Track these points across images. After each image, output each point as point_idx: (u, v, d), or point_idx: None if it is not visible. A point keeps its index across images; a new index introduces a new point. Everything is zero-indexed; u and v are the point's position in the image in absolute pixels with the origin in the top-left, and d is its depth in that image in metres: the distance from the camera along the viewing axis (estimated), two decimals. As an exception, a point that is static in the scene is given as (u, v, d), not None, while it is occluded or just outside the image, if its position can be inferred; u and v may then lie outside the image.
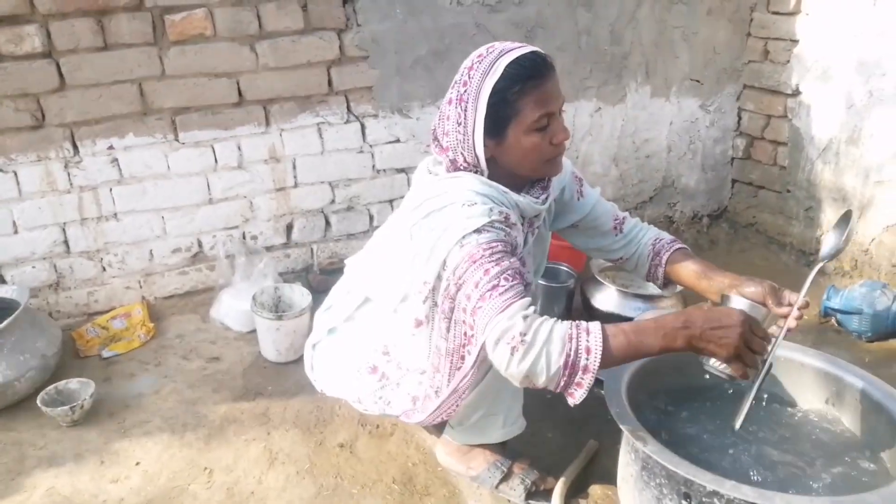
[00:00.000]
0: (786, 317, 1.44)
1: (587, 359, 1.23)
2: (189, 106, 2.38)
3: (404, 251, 1.50)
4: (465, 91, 1.41)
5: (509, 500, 1.68)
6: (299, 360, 2.22)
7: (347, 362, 1.67)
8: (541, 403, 2.06)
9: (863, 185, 2.63)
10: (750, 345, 1.28)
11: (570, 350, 1.23)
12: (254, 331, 2.33)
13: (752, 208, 3.17)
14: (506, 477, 1.68)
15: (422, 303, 1.48)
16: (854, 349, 2.33)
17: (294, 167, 2.57)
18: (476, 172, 1.47)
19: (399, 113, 2.63)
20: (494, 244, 1.35)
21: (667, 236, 1.73)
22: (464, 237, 1.35)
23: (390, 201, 2.73)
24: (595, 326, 1.26)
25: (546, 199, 1.55)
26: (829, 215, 2.79)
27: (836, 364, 1.62)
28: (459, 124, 1.43)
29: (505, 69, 1.38)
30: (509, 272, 1.32)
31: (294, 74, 2.44)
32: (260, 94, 2.44)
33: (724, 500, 1.25)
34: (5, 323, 1.99)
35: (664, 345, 1.27)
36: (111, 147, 2.34)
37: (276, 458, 1.86)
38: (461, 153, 1.45)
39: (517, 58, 1.39)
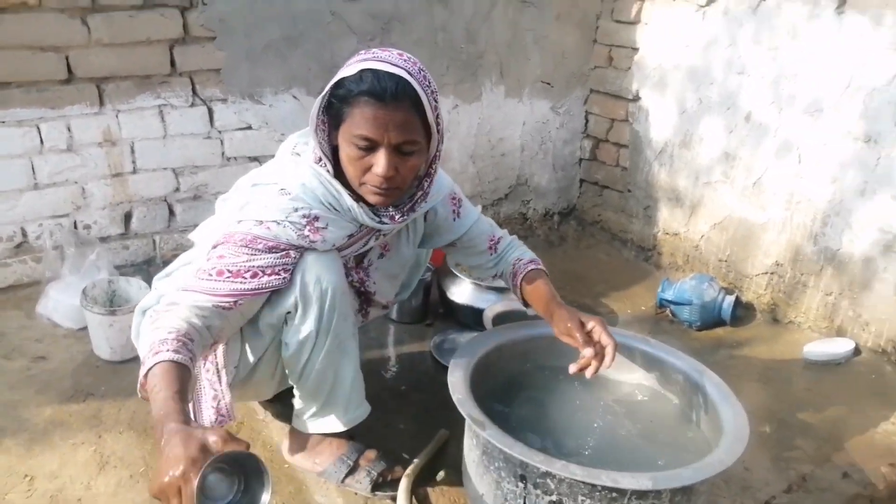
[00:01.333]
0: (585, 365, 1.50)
1: (141, 371, 1.19)
2: (10, 81, 2.15)
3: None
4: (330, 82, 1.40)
5: (356, 493, 1.66)
6: (135, 359, 2.08)
7: None
8: (395, 393, 2.07)
9: (693, 185, 2.86)
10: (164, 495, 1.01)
11: (147, 352, 1.21)
12: (85, 328, 2.15)
13: (598, 207, 3.35)
14: (352, 470, 1.66)
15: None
16: (685, 337, 2.52)
17: (133, 152, 2.40)
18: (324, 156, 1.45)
19: (250, 99, 2.53)
20: (260, 240, 1.39)
21: (527, 256, 1.78)
22: (242, 220, 1.40)
23: (241, 191, 2.63)
24: (164, 357, 1.17)
25: (386, 224, 1.51)
26: (664, 214, 3.01)
27: (664, 350, 1.75)
28: (313, 113, 1.41)
29: (359, 71, 1.34)
30: (245, 268, 1.36)
31: (132, 52, 2.28)
32: (93, 72, 2.25)
33: (556, 480, 1.30)
34: None
35: (154, 420, 1.10)
36: (-86, 122, 2.08)
37: (108, 461, 1.73)
38: (314, 129, 1.44)
39: (375, 70, 1.33)
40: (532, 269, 1.73)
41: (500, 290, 2.45)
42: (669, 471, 1.31)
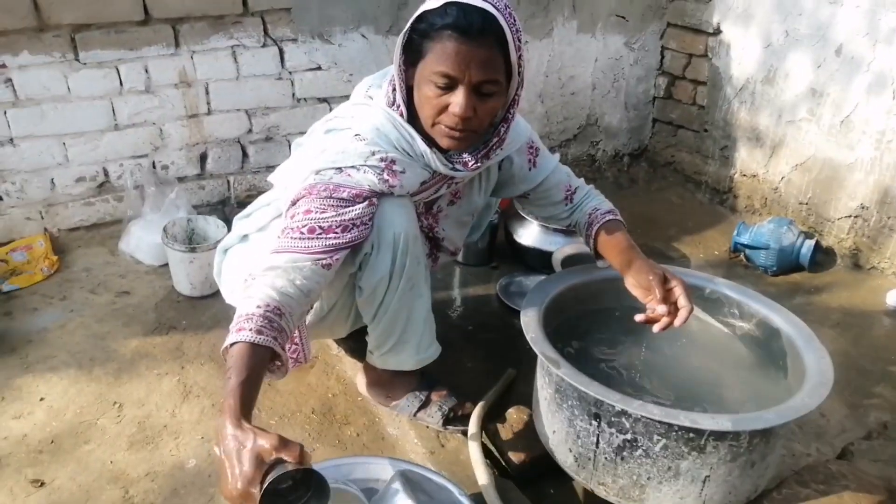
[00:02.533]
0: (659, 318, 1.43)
1: (227, 336, 1.18)
2: (90, 23, 2.20)
3: None
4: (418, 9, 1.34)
5: (427, 426, 1.70)
6: (215, 295, 2.16)
7: (246, 274, 1.63)
8: (462, 333, 2.09)
9: (776, 124, 2.72)
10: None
11: (237, 319, 1.20)
12: (166, 264, 2.24)
13: (671, 147, 3.24)
14: (424, 405, 1.70)
15: (284, 213, 1.45)
16: (760, 282, 2.45)
17: (207, 93, 2.44)
18: (400, 97, 1.42)
19: (320, 38, 2.52)
20: (343, 188, 1.36)
21: (604, 206, 1.71)
22: (321, 170, 1.37)
23: (311, 132, 2.65)
24: (247, 336, 1.15)
25: (460, 171, 1.47)
26: (742, 155, 2.88)
27: (742, 291, 1.69)
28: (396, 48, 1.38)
29: (443, 5, 1.28)
30: (336, 223, 1.34)
31: (205, -9, 2.30)
32: (168, 12, 2.28)
33: (632, 419, 1.30)
34: None
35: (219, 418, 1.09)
36: (3, 65, 2.15)
37: (191, 391, 1.82)
38: (394, 68, 1.40)
39: (464, 4, 1.26)
40: (610, 220, 1.66)
41: (567, 233, 2.41)
42: (750, 412, 1.28)
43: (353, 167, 1.38)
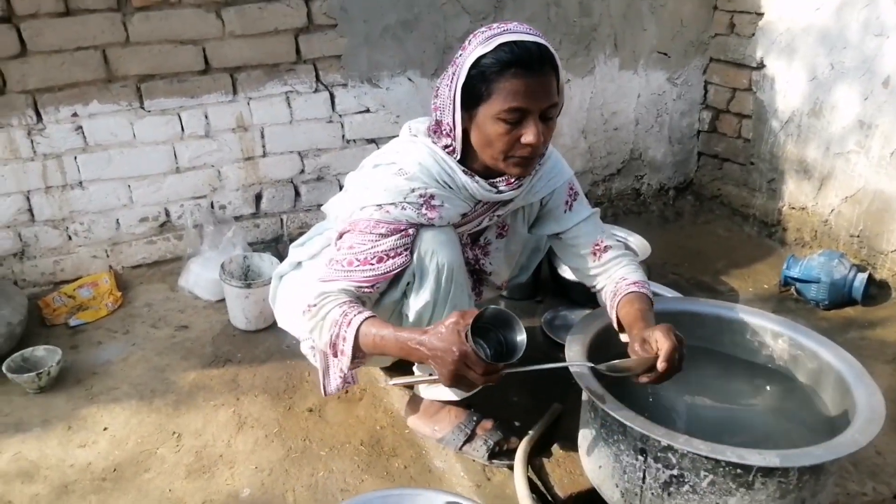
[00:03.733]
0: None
1: (343, 345, 1.39)
2: (154, 73, 2.35)
3: None
4: (461, 55, 1.43)
5: (474, 460, 1.72)
6: (269, 329, 2.25)
7: (302, 300, 1.70)
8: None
9: (824, 156, 2.69)
10: (464, 377, 1.28)
11: (333, 334, 1.40)
12: (223, 300, 2.34)
13: (717, 180, 3.22)
14: (469, 438, 1.72)
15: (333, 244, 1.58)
16: (811, 317, 2.40)
17: (262, 136, 2.56)
18: (452, 140, 1.49)
19: (369, 83, 2.62)
20: (382, 224, 1.46)
21: (632, 276, 1.62)
22: (364, 206, 1.48)
23: (360, 171, 2.74)
24: (357, 321, 1.38)
25: (504, 191, 1.53)
26: (790, 187, 2.86)
27: (792, 327, 1.68)
28: (448, 86, 1.45)
29: (497, 46, 1.36)
30: (371, 255, 1.45)
31: (261, 42, 2.42)
32: (227, 62, 2.41)
33: (678, 454, 1.30)
34: (-32, 291, 1.97)
35: (403, 355, 1.37)
36: (75, 114, 2.31)
37: (245, 422, 1.88)
38: (446, 114, 1.47)
39: (515, 41, 1.35)
40: (634, 292, 1.56)
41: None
42: (799, 449, 1.27)
43: (392, 204, 1.46)
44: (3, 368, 1.97)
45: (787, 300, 2.52)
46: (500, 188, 1.53)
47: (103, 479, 1.70)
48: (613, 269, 1.67)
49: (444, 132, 1.50)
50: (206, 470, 1.72)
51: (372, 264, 1.45)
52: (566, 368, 1.48)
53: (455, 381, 1.28)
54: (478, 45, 1.39)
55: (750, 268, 2.74)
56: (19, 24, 2.15)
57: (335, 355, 1.43)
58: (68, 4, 2.18)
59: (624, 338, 1.58)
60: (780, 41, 2.76)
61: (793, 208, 2.87)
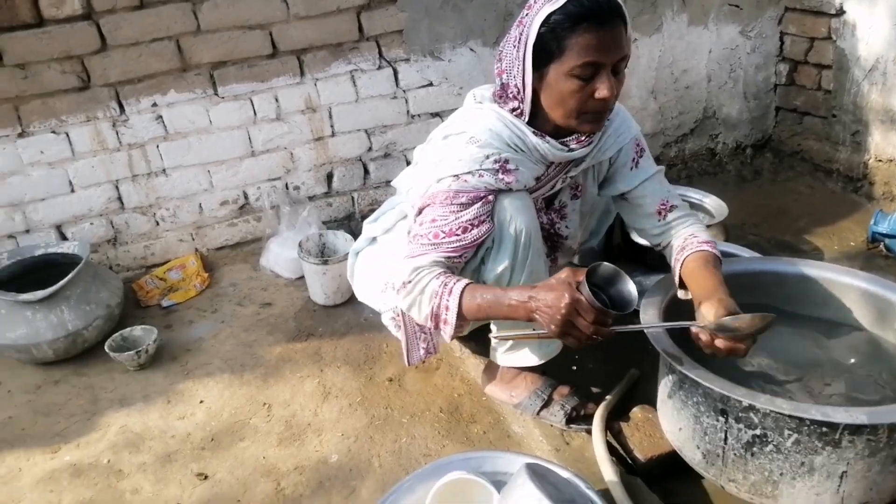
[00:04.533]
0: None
1: (446, 314, 1.43)
2: (226, 60, 2.43)
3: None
4: (527, 14, 1.42)
5: (551, 425, 1.74)
6: (347, 303, 2.32)
7: (379, 275, 1.78)
8: (581, 335, 2.11)
9: (912, 104, 2.55)
10: (573, 326, 1.29)
11: (435, 305, 1.43)
12: (302, 277, 2.42)
13: (797, 136, 3.09)
14: (546, 403, 1.74)
15: (412, 219, 1.59)
16: (903, 273, 2.30)
17: (330, 116, 2.62)
18: (520, 103, 1.49)
19: (430, 56, 2.63)
20: (462, 194, 1.46)
21: (703, 234, 1.62)
22: (441, 178, 1.48)
23: (427, 146, 2.76)
24: (458, 288, 1.41)
25: (575, 149, 1.53)
26: (877, 139, 2.71)
27: (882, 284, 1.62)
28: (515, 47, 1.45)
29: (566, 2, 1.35)
30: (455, 226, 1.46)
31: (325, 22, 2.46)
32: (293, 44, 2.47)
33: (760, 414, 1.28)
34: (70, 276, 2.11)
35: (508, 314, 1.39)
36: (154, 104, 2.42)
37: (330, 392, 1.96)
38: (513, 76, 1.48)
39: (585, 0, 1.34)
40: (705, 250, 1.55)
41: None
42: (888, 405, 1.24)
43: (468, 173, 1.47)
44: (106, 348, 2.11)
45: (876, 257, 2.41)
46: (572, 146, 1.53)
47: (202, 448, 1.81)
48: (680, 226, 1.67)
49: (510, 95, 1.50)
50: (296, 438, 1.81)
51: (458, 235, 1.47)
52: (667, 330, 1.46)
53: (565, 330, 1.28)
54: (545, 3, 1.38)
55: (835, 225, 2.63)
56: (99, 19, 2.26)
57: (436, 326, 1.46)
58: (142, -2, 2.28)
59: (682, 294, 1.57)
60: (862, -17, 2.60)
61: (879, 161, 2.72)
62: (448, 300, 1.41)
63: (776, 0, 2.95)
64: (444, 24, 2.59)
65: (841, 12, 2.71)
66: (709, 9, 2.90)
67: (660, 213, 1.69)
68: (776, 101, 3.15)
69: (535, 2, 1.41)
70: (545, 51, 1.40)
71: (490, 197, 1.49)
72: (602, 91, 1.38)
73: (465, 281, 1.42)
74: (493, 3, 2.61)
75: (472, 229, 1.47)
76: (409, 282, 1.47)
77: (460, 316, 1.41)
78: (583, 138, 1.53)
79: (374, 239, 1.85)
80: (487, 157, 1.48)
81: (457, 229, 1.47)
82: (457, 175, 1.48)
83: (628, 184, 1.70)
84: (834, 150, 2.91)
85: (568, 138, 1.53)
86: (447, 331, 1.45)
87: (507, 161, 1.49)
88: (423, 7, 2.54)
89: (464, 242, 1.47)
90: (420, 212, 1.52)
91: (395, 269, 1.53)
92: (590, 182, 1.74)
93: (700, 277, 1.50)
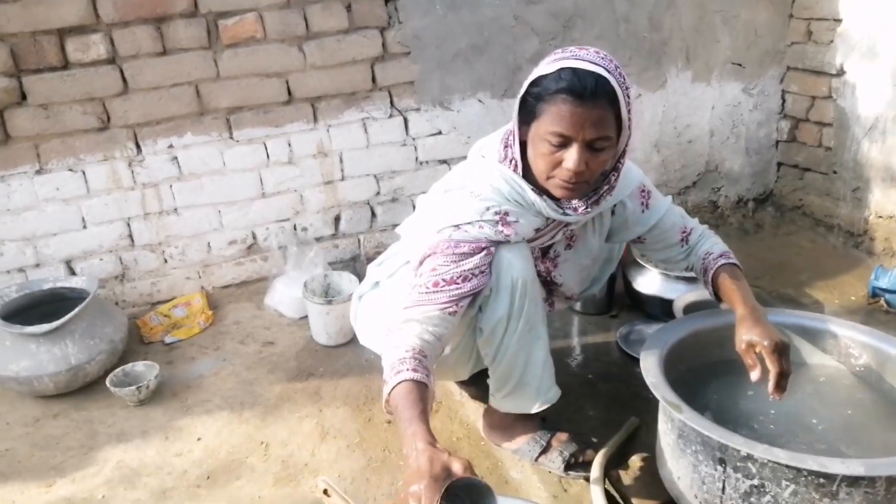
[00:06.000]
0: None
1: (384, 386, 1.36)
2: (242, 105, 2.51)
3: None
4: (532, 70, 1.48)
5: (549, 471, 1.73)
6: (349, 343, 2.33)
7: (381, 320, 1.78)
8: (583, 381, 2.11)
9: (912, 163, 2.59)
10: None
11: (388, 368, 1.38)
12: (305, 317, 2.44)
13: (799, 191, 3.13)
14: (545, 450, 1.74)
15: (413, 270, 1.60)
16: (904, 329, 2.30)
17: (341, 161, 2.68)
18: (512, 151, 1.54)
19: (440, 106, 2.71)
20: (462, 244, 1.49)
21: (717, 248, 1.72)
22: (441, 228, 1.50)
23: (434, 192, 2.81)
24: (405, 376, 1.32)
25: (571, 216, 1.55)
26: (877, 195, 2.75)
27: (880, 338, 1.62)
28: (516, 96, 1.51)
29: (557, 69, 1.39)
30: (456, 274, 1.47)
31: (340, 72, 2.55)
32: (308, 92, 2.55)
33: (758, 464, 1.28)
34: (76, 311, 2.14)
35: (404, 446, 1.24)
36: (171, 146, 2.49)
37: (328, 432, 1.96)
38: (512, 123, 1.53)
39: (574, 68, 1.38)
40: (724, 264, 1.67)
41: (689, 280, 2.39)
42: (886, 457, 1.23)
43: (469, 223, 1.51)
44: (107, 382, 2.12)
45: (877, 312, 2.42)
46: (567, 212, 1.55)
47: (198, 486, 1.80)
48: (699, 246, 1.75)
49: (508, 142, 1.56)
50: (292, 478, 1.80)
51: (458, 283, 1.47)
52: (665, 377, 1.49)
53: (402, 502, 1.14)
54: (544, 65, 1.44)
55: (835, 279, 2.65)
56: (122, 64, 2.34)
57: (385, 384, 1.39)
58: (165, 45, 2.36)
59: (725, 305, 1.67)
60: (861, 46, 2.68)
61: (880, 217, 2.75)
62: (392, 379, 1.34)
63: (778, 59, 3.03)
64: (455, 75, 2.68)
65: (841, 72, 2.78)
66: (712, 67, 2.98)
67: (682, 241, 1.76)
68: (778, 156, 3.21)
69: (543, 61, 1.47)
70: (529, 109, 1.45)
71: (491, 249, 1.51)
72: (567, 163, 1.41)
73: (418, 375, 1.32)
74: (503, 57, 2.70)
75: (472, 279, 1.48)
76: (392, 332, 1.46)
77: (388, 399, 1.34)
78: (580, 208, 1.54)
79: (377, 283, 1.87)
80: (488, 209, 1.51)
81: (457, 278, 1.48)
82: (457, 225, 1.51)
83: (644, 225, 1.74)
84: (835, 206, 2.94)
85: (566, 204, 1.55)
86: (382, 398, 1.37)
87: (507, 213, 1.52)
88: (435, 60, 2.63)
89: (462, 291, 1.47)
90: (421, 263, 1.54)
91: (393, 316, 1.53)
92: (589, 234, 1.75)
93: (728, 295, 1.62)
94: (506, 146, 1.57)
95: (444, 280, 1.48)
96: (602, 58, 1.41)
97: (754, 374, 1.46)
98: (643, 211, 1.73)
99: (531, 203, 1.54)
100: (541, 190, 1.54)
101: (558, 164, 1.44)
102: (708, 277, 1.69)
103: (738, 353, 1.51)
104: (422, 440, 1.19)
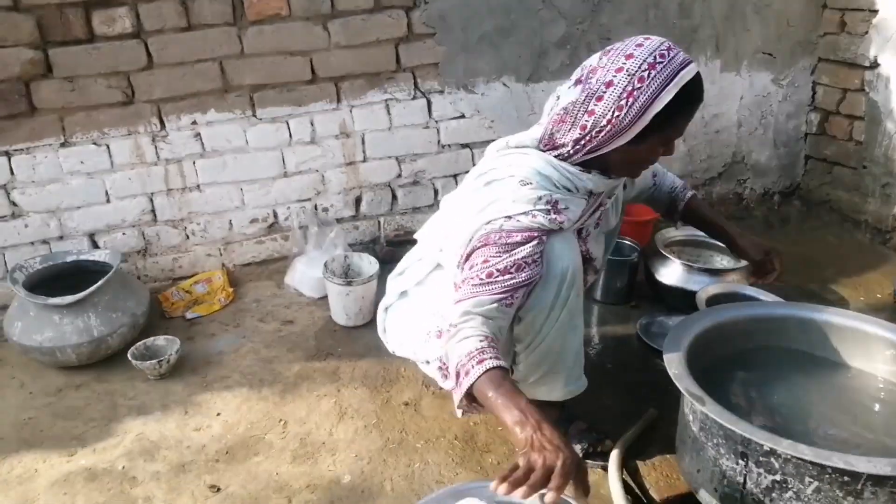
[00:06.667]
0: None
1: (464, 378, 1.31)
2: (266, 83, 2.50)
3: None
4: (639, 89, 1.38)
5: (567, 459, 1.72)
6: (367, 325, 2.33)
7: (418, 325, 1.73)
8: (602, 371, 2.10)
9: (945, 159, 2.53)
10: (549, 467, 1.15)
11: (460, 364, 1.33)
12: (325, 297, 2.45)
13: (826, 185, 3.08)
14: (563, 437, 1.72)
15: (456, 266, 1.55)
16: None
17: (363, 142, 2.67)
18: (582, 155, 1.50)
19: (464, 89, 2.68)
20: (515, 233, 1.44)
21: (679, 182, 1.96)
22: (492, 219, 1.46)
23: (454, 176, 2.80)
24: (488, 364, 1.29)
25: (614, 177, 1.58)
26: (908, 192, 2.70)
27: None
28: (616, 118, 1.41)
29: (685, 85, 1.38)
30: (510, 264, 1.42)
31: (364, 52, 2.53)
32: (332, 72, 2.53)
33: (782, 459, 1.27)
34: (99, 283, 2.16)
35: (506, 424, 1.24)
36: (194, 122, 2.49)
37: (346, 412, 1.97)
38: (590, 136, 1.46)
39: (694, 77, 1.41)
40: (692, 195, 1.93)
41: (713, 272, 2.37)
42: (913, 458, 1.21)
43: (522, 213, 1.45)
44: (129, 355, 2.14)
45: (904, 310, 2.38)
46: (612, 175, 1.58)
47: (216, 461, 1.82)
48: (662, 183, 1.95)
49: (579, 147, 1.49)
50: (309, 456, 1.82)
51: (512, 273, 1.43)
52: (689, 370, 1.48)
53: (544, 461, 1.15)
54: (665, 84, 1.37)
55: (861, 276, 2.61)
56: (147, 38, 2.34)
57: (456, 383, 1.35)
58: (190, 20, 2.36)
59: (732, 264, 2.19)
60: (897, 38, 2.62)
61: (910, 214, 2.71)
62: (472, 368, 1.31)
63: (810, 50, 2.97)
64: (480, 58, 2.65)
65: (875, 65, 2.73)
66: (742, 56, 2.93)
67: (653, 184, 1.96)
68: (806, 149, 3.16)
69: (649, 77, 1.38)
70: (652, 124, 1.41)
71: (543, 237, 1.47)
72: (672, 150, 1.53)
73: (500, 362, 1.32)
74: (529, 41, 2.66)
75: (526, 268, 1.44)
76: (455, 325, 1.40)
77: (470, 391, 1.31)
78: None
79: (404, 293, 1.79)
80: (540, 199, 1.47)
81: (511, 267, 1.44)
82: (509, 216, 1.46)
83: (638, 186, 1.89)
84: (863, 202, 2.89)
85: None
86: (455, 396, 1.35)
87: (557, 202, 1.49)
88: (460, 42, 2.60)
89: (517, 280, 1.43)
90: (468, 257, 1.48)
91: (445, 313, 1.48)
92: (611, 211, 1.75)
93: (711, 216, 1.94)
94: (551, 146, 1.53)
95: (497, 270, 1.43)
96: (677, 49, 1.43)
97: (773, 275, 1.84)
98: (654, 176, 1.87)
99: (582, 184, 1.52)
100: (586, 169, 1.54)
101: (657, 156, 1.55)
102: (679, 206, 1.92)
103: (753, 260, 1.87)
104: (549, 421, 1.22)
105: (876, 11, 2.68)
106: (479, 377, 1.28)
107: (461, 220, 1.58)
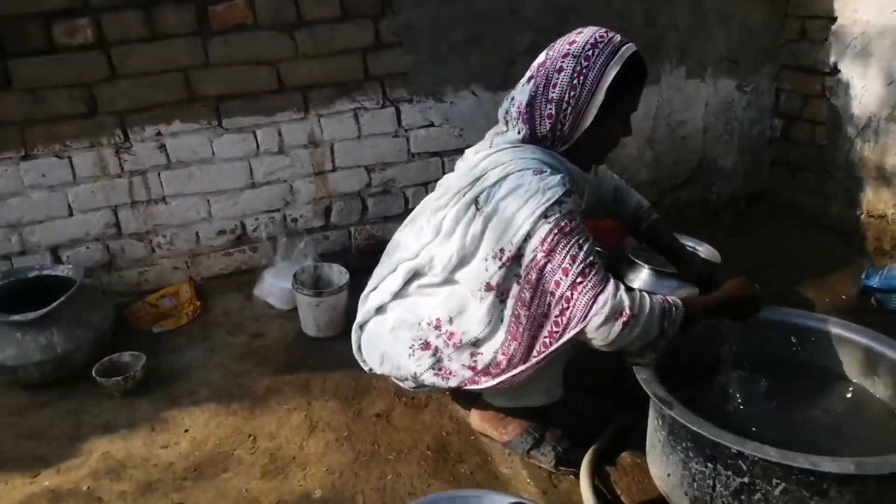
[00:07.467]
0: None
1: (673, 329, 1.46)
2: (232, 93, 2.47)
3: (461, 222, 1.56)
4: (587, 66, 1.47)
5: (540, 466, 1.72)
6: (338, 336, 2.31)
7: (401, 339, 1.67)
8: (573, 376, 2.10)
9: (904, 162, 2.59)
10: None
11: (667, 323, 1.46)
12: (295, 308, 2.42)
13: (791, 189, 3.14)
14: (537, 443, 1.73)
15: (498, 269, 1.50)
16: (893, 328, 2.30)
17: (332, 152, 2.65)
18: (562, 143, 1.57)
19: (433, 97, 2.69)
20: (575, 215, 1.47)
21: (645, 203, 2.00)
22: (547, 210, 1.45)
23: (425, 184, 2.79)
24: (681, 303, 1.48)
25: (588, 172, 1.68)
26: (869, 195, 2.75)
27: (873, 337, 1.63)
28: (572, 98, 1.49)
29: (628, 59, 1.48)
30: (595, 244, 1.48)
31: (331, 61, 2.52)
32: (299, 81, 2.52)
33: (749, 462, 1.28)
34: (62, 299, 2.11)
35: (726, 301, 1.58)
36: (159, 133, 2.45)
37: (317, 426, 1.94)
38: (559, 123, 1.52)
39: (635, 52, 1.51)
40: (657, 217, 1.97)
41: (681, 277, 2.38)
42: (876, 457, 1.23)
43: (565, 194, 1.47)
44: (93, 372, 2.09)
45: (867, 311, 2.42)
46: (587, 170, 1.70)
47: (184, 479, 1.78)
48: (627, 200, 1.99)
49: (557, 136, 1.55)
50: (280, 471, 1.79)
51: (591, 249, 1.47)
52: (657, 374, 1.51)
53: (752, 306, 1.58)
54: (609, 60, 1.48)
55: (826, 278, 2.65)
56: (109, 49, 2.30)
57: (654, 349, 1.48)
58: (154, 30, 2.33)
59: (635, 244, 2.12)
60: (855, 45, 2.68)
61: (871, 216, 2.76)
62: (678, 316, 1.46)
63: (773, 57, 3.03)
64: (448, 67, 2.65)
65: (835, 71, 2.79)
66: (706, 63, 2.97)
67: (615, 197, 2.00)
68: (771, 154, 3.21)
69: (594, 56, 1.48)
70: (607, 102, 1.49)
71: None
72: (629, 131, 1.61)
73: (675, 297, 1.51)
74: (497, 50, 2.68)
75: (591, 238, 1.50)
76: (635, 314, 1.42)
77: (685, 321, 1.48)
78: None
79: (380, 308, 1.74)
80: (564, 179, 1.50)
81: (590, 244, 1.47)
82: (558, 201, 1.45)
83: (599, 187, 1.92)
84: (827, 205, 2.95)
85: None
86: (660, 346, 1.48)
87: (571, 184, 1.54)
88: (428, 51, 2.61)
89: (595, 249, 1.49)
90: (544, 268, 1.45)
91: (580, 316, 1.44)
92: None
93: (672, 242, 2.03)
94: (533, 140, 1.56)
95: (590, 258, 1.45)
96: (614, 33, 1.53)
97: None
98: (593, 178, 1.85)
99: (574, 170, 1.60)
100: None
101: (618, 138, 1.61)
102: (642, 225, 1.97)
103: (698, 278, 1.99)
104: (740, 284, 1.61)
105: (834, 19, 2.74)
106: (682, 318, 1.47)
107: (448, 226, 1.58)
